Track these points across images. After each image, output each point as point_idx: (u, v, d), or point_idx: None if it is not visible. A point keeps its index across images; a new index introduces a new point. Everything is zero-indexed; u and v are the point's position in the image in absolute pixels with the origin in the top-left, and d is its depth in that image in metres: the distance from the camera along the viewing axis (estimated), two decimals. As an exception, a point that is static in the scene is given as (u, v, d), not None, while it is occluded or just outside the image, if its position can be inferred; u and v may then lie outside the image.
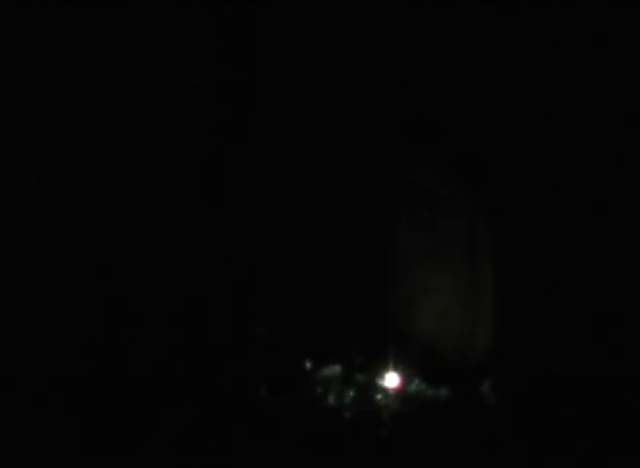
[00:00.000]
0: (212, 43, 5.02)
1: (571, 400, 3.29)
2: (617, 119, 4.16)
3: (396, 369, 3.14)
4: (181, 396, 3.21)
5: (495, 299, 3.50)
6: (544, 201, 4.08)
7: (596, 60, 4.26)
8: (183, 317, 4.33)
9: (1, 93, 4.21)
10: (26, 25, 4.21)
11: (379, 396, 3.05)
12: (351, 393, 3.04)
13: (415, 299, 3.76)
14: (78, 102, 4.47)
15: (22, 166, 4.34)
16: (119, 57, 4.59)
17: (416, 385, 3.09)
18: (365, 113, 4.96)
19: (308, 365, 3.27)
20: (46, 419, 3.62)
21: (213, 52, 5.03)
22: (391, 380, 3.13)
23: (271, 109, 5.15)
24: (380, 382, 3.12)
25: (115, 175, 4.52)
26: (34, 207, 4.34)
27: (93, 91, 4.52)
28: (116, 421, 3.41)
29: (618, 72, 4.22)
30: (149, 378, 4.31)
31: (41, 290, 4.29)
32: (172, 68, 4.85)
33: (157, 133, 4.81)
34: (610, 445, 3.13)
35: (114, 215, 4.47)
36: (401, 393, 3.08)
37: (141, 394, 3.85)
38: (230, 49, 5.07)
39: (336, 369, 3.23)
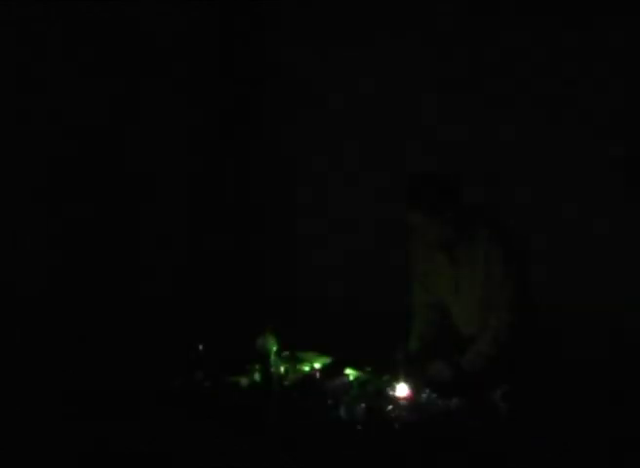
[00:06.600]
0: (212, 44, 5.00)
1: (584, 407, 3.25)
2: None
3: (406, 379, 3.08)
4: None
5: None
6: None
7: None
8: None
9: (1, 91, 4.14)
10: (26, 25, 4.15)
11: (389, 407, 2.99)
12: (361, 404, 2.98)
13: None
14: (77, 103, 4.43)
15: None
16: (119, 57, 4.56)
17: (426, 395, 3.03)
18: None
19: (318, 375, 3.21)
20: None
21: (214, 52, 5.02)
22: (401, 391, 3.07)
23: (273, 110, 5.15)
24: (391, 393, 3.07)
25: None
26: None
27: (92, 91, 4.47)
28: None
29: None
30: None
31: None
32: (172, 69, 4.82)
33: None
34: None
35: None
36: (411, 403, 3.03)
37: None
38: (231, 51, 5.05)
39: (345, 379, 3.18)
